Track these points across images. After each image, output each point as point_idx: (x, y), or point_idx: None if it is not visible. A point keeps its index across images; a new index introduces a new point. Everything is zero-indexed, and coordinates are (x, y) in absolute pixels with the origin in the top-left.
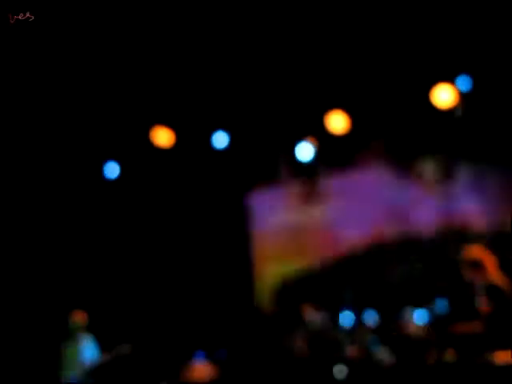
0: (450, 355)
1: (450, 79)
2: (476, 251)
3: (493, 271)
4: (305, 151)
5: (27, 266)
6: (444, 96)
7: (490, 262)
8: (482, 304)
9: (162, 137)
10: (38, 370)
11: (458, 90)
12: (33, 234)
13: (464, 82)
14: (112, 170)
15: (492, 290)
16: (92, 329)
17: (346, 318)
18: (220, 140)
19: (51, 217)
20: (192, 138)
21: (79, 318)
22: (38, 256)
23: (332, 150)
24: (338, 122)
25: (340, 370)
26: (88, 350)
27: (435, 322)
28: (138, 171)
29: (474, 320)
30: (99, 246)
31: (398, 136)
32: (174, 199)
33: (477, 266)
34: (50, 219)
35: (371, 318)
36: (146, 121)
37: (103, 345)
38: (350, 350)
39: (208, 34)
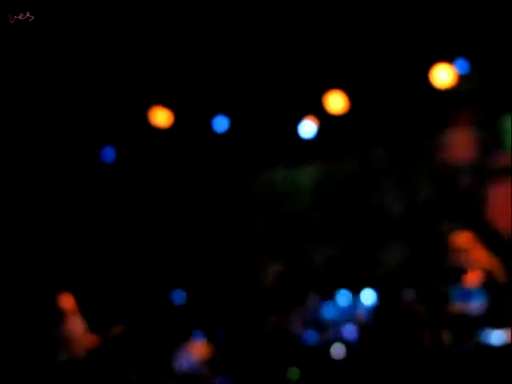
0: (445, 336)
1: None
2: (464, 238)
3: (481, 256)
4: (307, 129)
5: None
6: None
7: (477, 247)
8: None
9: (160, 117)
10: (30, 354)
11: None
12: (26, 218)
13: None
14: (109, 153)
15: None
16: (83, 310)
17: (343, 298)
18: (220, 123)
19: (46, 201)
20: (192, 120)
21: (66, 300)
22: (32, 241)
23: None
24: (336, 102)
25: (337, 350)
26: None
27: (431, 302)
28: (135, 153)
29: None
30: (97, 229)
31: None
32: (174, 182)
33: (464, 252)
34: (45, 203)
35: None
36: (143, 102)
37: (95, 326)
38: (349, 330)
39: (207, 15)
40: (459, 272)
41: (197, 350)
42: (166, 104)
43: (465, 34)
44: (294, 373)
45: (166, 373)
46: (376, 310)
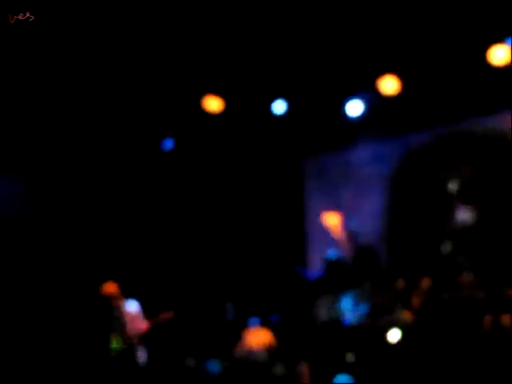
0: (506, 320)
1: None
2: None
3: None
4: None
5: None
6: None
7: None
8: None
9: (213, 104)
10: (85, 341)
11: None
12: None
13: None
14: (168, 142)
15: None
16: (133, 296)
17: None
18: (279, 107)
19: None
20: (249, 104)
21: (111, 288)
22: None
23: None
24: (389, 85)
25: (394, 334)
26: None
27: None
28: (193, 142)
29: None
30: (152, 217)
31: None
32: (231, 167)
33: None
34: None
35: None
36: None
37: (146, 312)
38: (404, 314)
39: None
40: None
41: (254, 337)
42: (219, 91)
43: None
44: (349, 357)
45: (223, 358)
46: (434, 295)
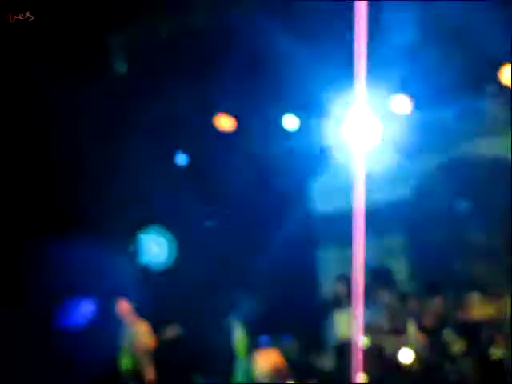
0: None
1: None
2: None
3: None
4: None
5: None
6: None
7: None
8: None
9: (225, 122)
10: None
11: None
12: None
13: None
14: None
15: None
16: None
17: None
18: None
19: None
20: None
21: (124, 306)
22: None
23: None
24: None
25: (405, 355)
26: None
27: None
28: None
29: None
30: None
31: None
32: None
33: None
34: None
35: None
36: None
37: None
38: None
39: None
40: None
41: (264, 357)
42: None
43: None
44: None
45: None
46: (446, 315)
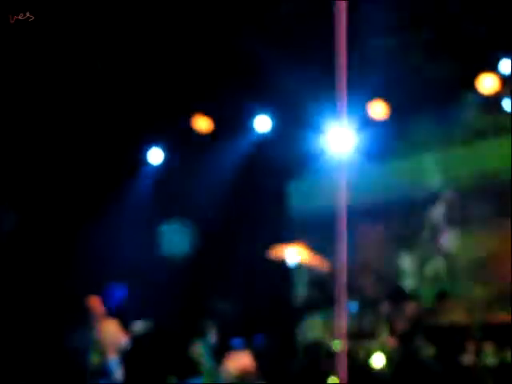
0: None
1: None
2: None
3: None
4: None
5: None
6: None
7: None
8: None
9: (202, 124)
10: (64, 358)
11: None
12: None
13: None
14: (156, 155)
15: None
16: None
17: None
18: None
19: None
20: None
21: (95, 303)
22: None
23: None
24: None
25: (377, 359)
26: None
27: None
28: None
29: None
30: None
31: None
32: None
33: None
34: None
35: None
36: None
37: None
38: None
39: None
40: None
41: (237, 359)
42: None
43: None
44: (333, 380)
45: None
46: (418, 320)
